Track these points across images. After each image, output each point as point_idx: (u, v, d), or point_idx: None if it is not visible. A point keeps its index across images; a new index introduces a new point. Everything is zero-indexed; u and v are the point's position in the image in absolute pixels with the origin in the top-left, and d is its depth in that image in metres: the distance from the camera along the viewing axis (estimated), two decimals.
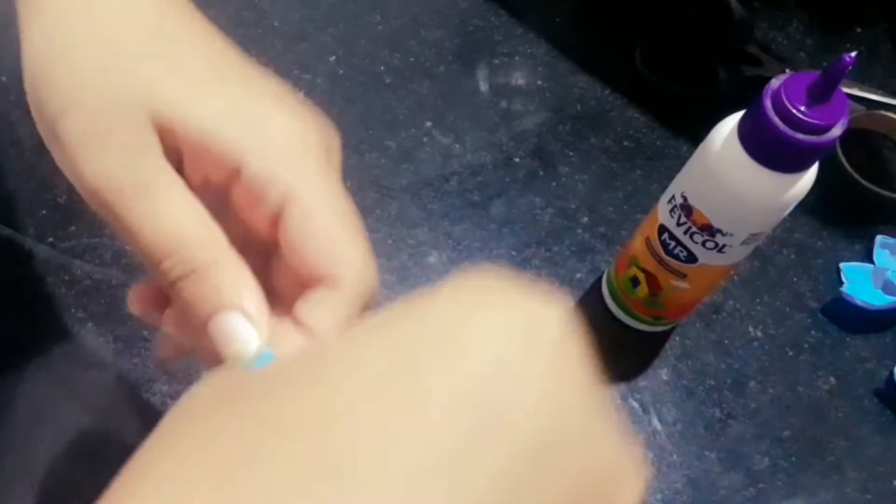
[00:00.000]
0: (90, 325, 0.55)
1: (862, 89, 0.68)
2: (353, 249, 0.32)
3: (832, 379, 0.59)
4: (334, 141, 0.34)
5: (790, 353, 0.60)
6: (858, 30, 0.73)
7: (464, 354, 0.22)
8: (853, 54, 0.38)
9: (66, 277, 0.56)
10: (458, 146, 0.64)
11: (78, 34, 0.32)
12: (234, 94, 0.32)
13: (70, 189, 0.59)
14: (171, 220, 0.30)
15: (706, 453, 0.56)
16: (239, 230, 0.32)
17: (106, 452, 0.51)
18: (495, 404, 0.22)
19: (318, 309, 0.31)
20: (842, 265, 0.62)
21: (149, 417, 0.52)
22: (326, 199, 0.32)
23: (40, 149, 0.60)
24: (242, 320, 0.30)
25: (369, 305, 0.32)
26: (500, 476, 0.21)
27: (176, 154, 0.31)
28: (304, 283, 0.32)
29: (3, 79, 0.62)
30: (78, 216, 0.58)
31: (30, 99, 0.32)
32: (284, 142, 0.32)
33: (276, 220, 0.32)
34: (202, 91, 0.32)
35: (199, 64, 0.32)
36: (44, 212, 0.58)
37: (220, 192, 0.32)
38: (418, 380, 0.22)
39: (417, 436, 0.21)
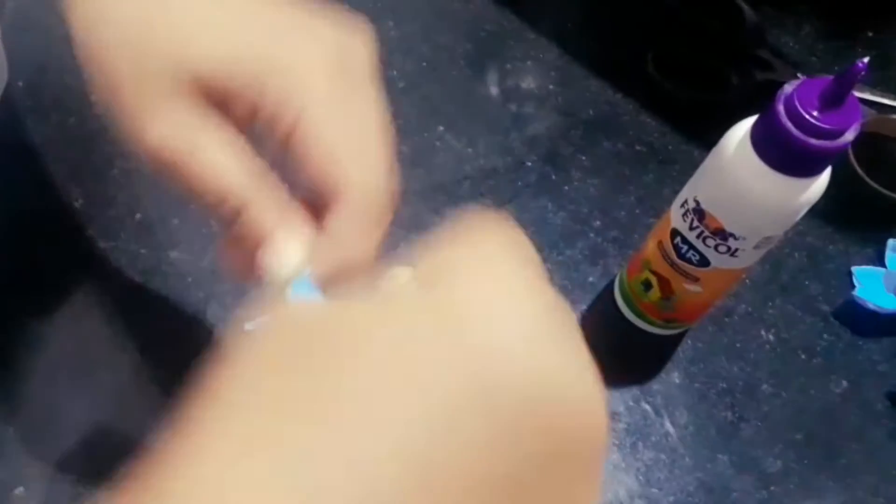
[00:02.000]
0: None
1: (874, 93, 0.68)
2: (361, 157, 0.34)
3: (844, 382, 0.59)
4: (361, 51, 0.35)
5: (802, 357, 0.60)
6: (870, 34, 0.73)
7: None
8: (865, 60, 0.38)
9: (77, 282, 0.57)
10: (470, 150, 0.65)
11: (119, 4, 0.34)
12: (259, 25, 0.35)
13: (86, 193, 0.59)
14: (218, 169, 0.33)
15: (718, 456, 0.56)
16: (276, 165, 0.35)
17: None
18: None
19: (338, 219, 0.33)
20: (854, 269, 0.62)
21: None
22: (332, 116, 0.33)
23: (55, 153, 0.61)
24: (286, 245, 0.33)
25: (389, 212, 0.34)
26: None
27: (221, 104, 0.34)
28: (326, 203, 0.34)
29: (20, 83, 0.62)
30: (93, 221, 0.59)
31: (87, 73, 0.35)
32: (300, 65, 0.34)
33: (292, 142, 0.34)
34: (230, 36, 0.34)
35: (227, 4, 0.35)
36: (60, 214, 0.59)
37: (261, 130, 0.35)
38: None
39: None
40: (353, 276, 0.33)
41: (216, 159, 0.33)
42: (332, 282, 0.32)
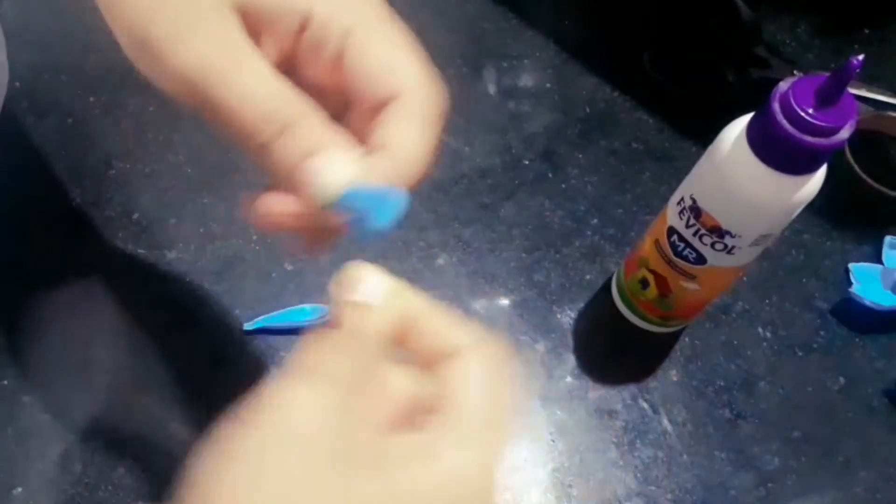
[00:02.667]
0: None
1: (870, 90, 0.68)
2: (410, 63, 0.35)
3: (841, 379, 0.59)
4: None
5: (799, 354, 0.60)
6: (866, 31, 0.74)
7: None
8: (860, 57, 0.38)
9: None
10: (467, 149, 0.65)
11: None
12: None
13: (83, 193, 0.59)
14: (261, 88, 0.33)
15: (716, 453, 0.56)
16: (313, 94, 0.34)
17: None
18: None
19: (390, 126, 0.34)
20: (850, 266, 0.63)
21: None
22: (380, 26, 0.35)
23: (52, 153, 0.61)
24: (332, 159, 0.33)
25: (439, 118, 0.35)
26: None
27: (255, 34, 0.34)
28: (374, 120, 0.35)
29: (17, 84, 0.62)
30: (90, 221, 0.59)
31: (112, 23, 0.34)
32: None
33: (339, 63, 0.35)
34: None
35: None
36: (58, 215, 0.59)
37: (293, 63, 0.35)
38: None
39: None
40: (411, 181, 0.34)
41: (260, 76, 0.33)
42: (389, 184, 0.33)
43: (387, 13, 0.35)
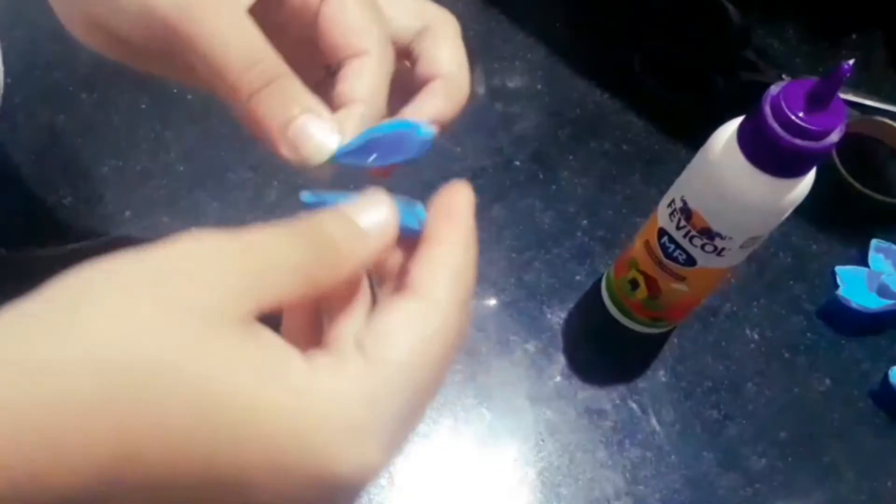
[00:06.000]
0: None
1: (857, 95, 0.69)
2: (378, 27, 0.35)
3: (828, 381, 0.60)
4: None
5: (786, 356, 0.60)
6: (854, 36, 0.74)
7: None
8: (851, 62, 0.39)
9: None
10: (458, 150, 0.65)
11: None
12: None
13: (74, 192, 0.59)
14: (248, 34, 0.32)
15: (704, 454, 0.57)
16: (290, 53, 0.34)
17: None
18: None
19: (354, 79, 0.34)
20: (837, 269, 0.63)
21: None
22: None
23: (44, 151, 0.61)
24: (320, 121, 0.33)
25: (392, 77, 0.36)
26: None
27: None
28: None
29: (9, 80, 0.62)
30: (81, 218, 0.59)
31: None
32: None
33: (309, 12, 0.35)
34: None
35: None
36: (50, 212, 0.59)
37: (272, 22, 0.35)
38: None
39: None
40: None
41: (247, 23, 0.32)
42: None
43: None
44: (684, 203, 0.48)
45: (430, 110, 0.37)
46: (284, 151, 0.33)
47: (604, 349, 0.60)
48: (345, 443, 0.26)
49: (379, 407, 0.27)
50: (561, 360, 0.59)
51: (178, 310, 0.25)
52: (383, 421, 0.27)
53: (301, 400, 0.25)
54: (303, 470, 0.25)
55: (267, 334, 0.27)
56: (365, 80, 0.35)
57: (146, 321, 0.24)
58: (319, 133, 0.33)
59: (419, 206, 0.33)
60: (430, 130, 0.34)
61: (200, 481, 0.24)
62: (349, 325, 0.29)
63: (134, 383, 0.23)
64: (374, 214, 0.31)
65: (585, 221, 0.63)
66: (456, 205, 0.32)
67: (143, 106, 0.63)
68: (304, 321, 0.32)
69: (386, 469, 0.54)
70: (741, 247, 0.48)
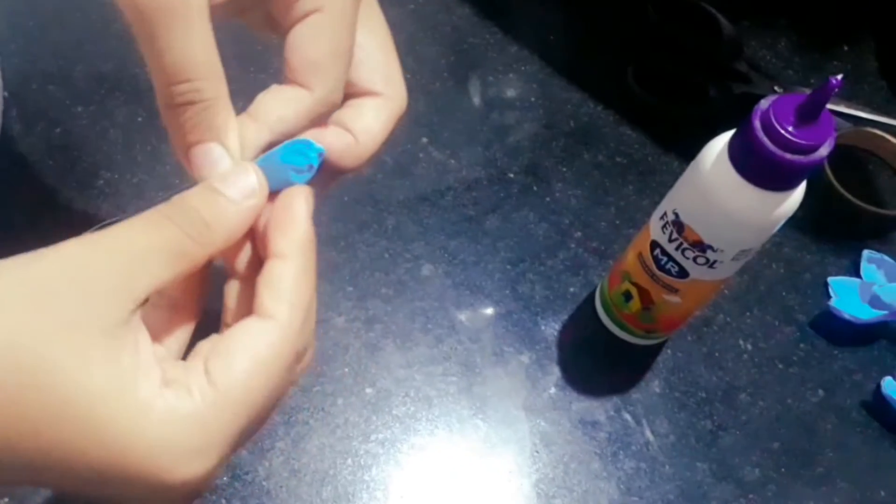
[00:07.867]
0: None
1: (849, 107, 0.69)
2: (334, 73, 0.35)
3: (821, 391, 0.60)
4: None
5: (779, 366, 0.61)
6: (845, 48, 0.75)
7: None
8: (839, 77, 0.39)
9: None
10: (453, 161, 0.65)
11: None
12: None
13: (72, 202, 0.59)
14: (199, 49, 0.32)
15: (698, 464, 0.57)
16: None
17: None
18: None
19: (285, 102, 0.35)
20: (829, 280, 0.63)
21: None
22: (344, 20, 0.35)
23: (40, 163, 0.61)
24: (223, 153, 0.34)
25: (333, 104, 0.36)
26: None
27: None
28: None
29: (6, 94, 0.63)
30: (77, 230, 0.59)
31: None
32: None
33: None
34: None
35: None
36: (46, 225, 0.59)
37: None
38: None
39: None
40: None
41: (202, 37, 0.32)
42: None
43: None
44: (676, 216, 0.48)
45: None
46: (184, 163, 0.34)
47: (598, 360, 0.60)
48: (177, 461, 0.29)
49: (211, 430, 0.30)
50: (555, 371, 0.59)
51: (51, 316, 0.29)
52: (215, 442, 0.30)
53: (141, 417, 0.28)
54: (131, 478, 0.29)
55: (139, 345, 0.30)
56: (291, 110, 0.35)
57: (22, 323, 0.28)
58: (218, 162, 0.34)
59: (312, 145, 0.35)
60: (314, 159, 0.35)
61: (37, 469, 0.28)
62: (206, 343, 0.32)
63: None
64: (240, 181, 0.33)
65: (579, 233, 0.64)
66: (291, 214, 0.33)
67: (140, 119, 0.64)
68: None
69: (382, 481, 0.54)
70: (733, 259, 0.48)
